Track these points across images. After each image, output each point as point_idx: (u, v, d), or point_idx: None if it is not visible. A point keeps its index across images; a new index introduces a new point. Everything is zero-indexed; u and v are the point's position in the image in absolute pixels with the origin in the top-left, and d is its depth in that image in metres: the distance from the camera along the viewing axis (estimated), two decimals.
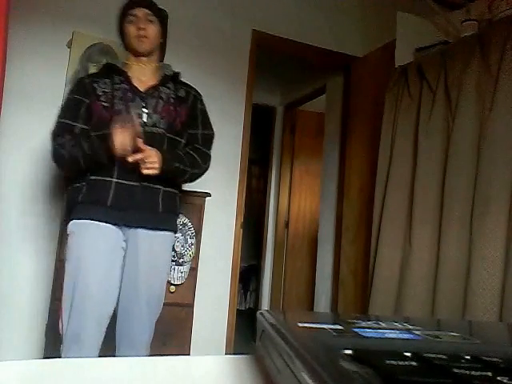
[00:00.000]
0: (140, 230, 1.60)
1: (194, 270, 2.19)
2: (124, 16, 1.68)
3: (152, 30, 1.68)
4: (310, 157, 4.26)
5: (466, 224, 1.82)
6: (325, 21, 3.05)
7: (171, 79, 1.76)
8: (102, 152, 1.52)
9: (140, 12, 1.65)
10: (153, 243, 1.62)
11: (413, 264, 2.03)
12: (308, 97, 4.07)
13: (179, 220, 2.15)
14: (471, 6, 2.24)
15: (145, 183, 1.58)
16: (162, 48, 2.56)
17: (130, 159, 1.50)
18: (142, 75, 1.71)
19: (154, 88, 1.69)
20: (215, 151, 2.74)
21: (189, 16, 2.67)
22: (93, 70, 2.26)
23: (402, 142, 2.23)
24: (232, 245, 2.76)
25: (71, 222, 1.57)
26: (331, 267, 3.21)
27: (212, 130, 1.89)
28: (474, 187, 1.81)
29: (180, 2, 2.63)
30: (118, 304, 1.58)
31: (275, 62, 3.56)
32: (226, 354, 2.62)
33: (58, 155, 1.60)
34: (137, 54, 1.70)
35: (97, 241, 1.53)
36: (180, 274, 2.13)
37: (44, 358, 2.06)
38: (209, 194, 2.28)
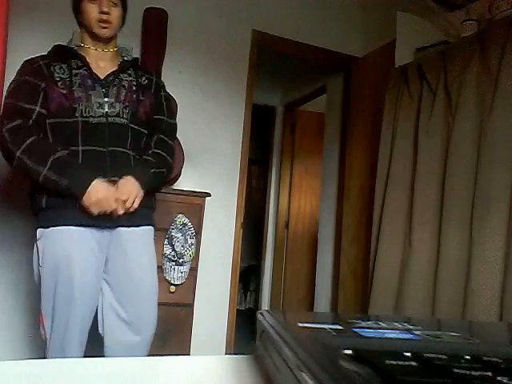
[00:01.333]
0: (118, 230, 1.52)
1: (193, 270, 2.19)
2: None
3: (115, 15, 1.54)
4: (310, 157, 4.26)
5: (466, 224, 1.82)
6: (325, 21, 3.05)
7: (131, 66, 1.65)
8: (67, 192, 1.40)
9: None
10: (131, 240, 1.55)
11: (413, 264, 2.03)
12: (308, 97, 4.07)
13: (179, 220, 2.15)
14: (471, 6, 2.24)
15: (115, 178, 1.47)
16: (162, 47, 2.57)
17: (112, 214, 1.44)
18: (101, 60, 1.58)
19: (115, 75, 1.57)
20: (215, 151, 2.76)
21: (189, 16, 2.67)
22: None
23: (402, 141, 2.23)
24: (232, 245, 2.76)
25: (39, 230, 1.46)
26: (331, 267, 3.21)
27: (175, 120, 1.76)
28: (474, 187, 1.81)
29: (180, 2, 2.63)
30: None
31: (275, 62, 3.56)
32: (226, 353, 2.62)
33: (10, 154, 1.41)
34: (96, 39, 1.57)
35: (70, 247, 1.44)
36: (180, 274, 2.13)
37: (44, 358, 2.06)
38: (209, 194, 2.28)
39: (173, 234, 2.13)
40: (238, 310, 2.92)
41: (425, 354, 0.27)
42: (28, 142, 1.41)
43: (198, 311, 2.23)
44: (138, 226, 1.57)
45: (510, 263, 1.64)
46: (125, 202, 1.43)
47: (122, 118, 1.53)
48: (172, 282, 2.12)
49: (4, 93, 1.58)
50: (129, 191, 1.44)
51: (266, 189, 4.49)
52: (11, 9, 1.69)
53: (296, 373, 0.27)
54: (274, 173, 4.42)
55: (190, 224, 2.17)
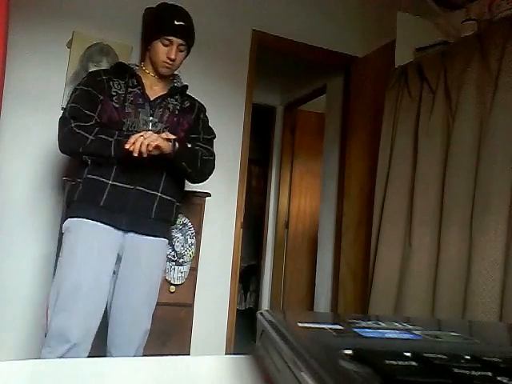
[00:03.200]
0: (130, 234, 1.61)
1: (193, 270, 2.19)
2: (159, 32, 1.66)
3: (179, 59, 1.73)
4: (310, 157, 4.26)
5: (466, 224, 1.82)
6: (325, 21, 3.05)
7: (179, 91, 1.80)
8: (112, 150, 1.54)
9: (177, 41, 1.66)
10: (142, 249, 1.62)
11: (413, 264, 2.03)
12: (308, 97, 4.07)
13: (179, 220, 2.15)
14: (471, 6, 2.24)
15: (140, 188, 1.59)
16: None
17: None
18: (155, 85, 1.75)
19: (163, 98, 1.73)
20: (215, 151, 2.75)
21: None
22: (93, 69, 2.23)
23: (402, 142, 2.23)
24: (232, 245, 2.76)
25: (67, 219, 1.59)
26: (331, 267, 3.21)
27: (213, 134, 1.94)
28: (474, 187, 1.81)
29: (180, 2, 2.63)
30: (109, 306, 1.60)
31: (275, 62, 3.56)
32: (226, 353, 2.62)
33: (82, 139, 1.55)
34: (157, 74, 1.74)
35: (89, 238, 1.54)
36: (180, 274, 2.13)
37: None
38: (209, 194, 2.28)
39: (173, 233, 2.13)
40: (238, 309, 2.92)
41: (425, 354, 0.27)
42: (96, 130, 1.57)
43: (197, 311, 2.23)
44: (153, 236, 1.65)
45: (510, 263, 1.64)
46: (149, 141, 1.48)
47: None
48: (172, 281, 2.12)
49: (4, 93, 1.60)
50: (160, 137, 1.52)
51: (266, 189, 4.49)
52: (11, 9, 1.69)
53: (296, 373, 0.27)
54: (274, 173, 4.42)
55: (189, 224, 2.17)
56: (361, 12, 3.14)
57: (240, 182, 2.81)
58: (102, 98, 1.63)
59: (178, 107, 1.77)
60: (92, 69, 2.31)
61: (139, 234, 1.61)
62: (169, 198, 1.68)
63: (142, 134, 1.49)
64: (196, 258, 2.20)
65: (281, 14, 2.93)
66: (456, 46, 2.08)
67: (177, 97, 1.79)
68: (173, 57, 1.66)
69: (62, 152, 1.62)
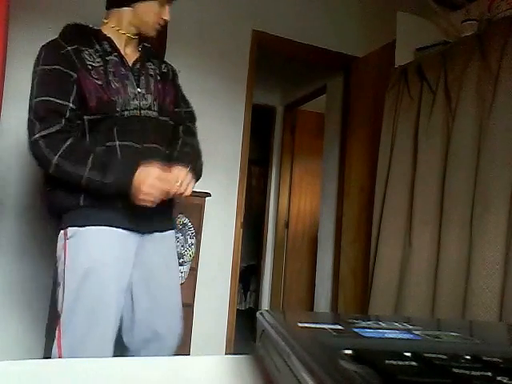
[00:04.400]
0: (154, 235, 1.43)
1: (194, 270, 2.19)
2: None
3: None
4: (310, 157, 4.26)
5: (466, 224, 1.82)
6: (325, 21, 3.05)
7: (152, 53, 1.56)
8: (113, 190, 1.27)
9: (171, 5, 1.47)
10: (165, 246, 1.49)
11: (413, 264, 2.03)
12: (308, 97, 4.07)
13: (179, 220, 2.15)
14: (471, 6, 2.24)
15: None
16: (162, 46, 2.56)
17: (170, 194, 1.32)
18: (126, 46, 1.46)
19: (141, 62, 1.47)
20: (215, 151, 2.75)
21: (189, 16, 2.67)
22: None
23: (401, 142, 2.23)
24: (232, 245, 2.76)
25: (72, 228, 1.31)
26: (331, 267, 3.21)
27: (191, 106, 1.66)
28: (474, 187, 1.81)
29: (180, 2, 2.63)
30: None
31: (275, 62, 3.56)
32: (226, 354, 2.62)
33: (45, 161, 1.26)
34: (137, 35, 1.47)
35: (108, 249, 1.32)
36: (180, 274, 2.13)
37: (44, 358, 2.06)
38: (209, 194, 2.28)
39: None
40: (238, 309, 2.92)
41: (425, 354, 0.27)
42: (65, 145, 1.26)
43: (198, 311, 2.23)
44: (169, 229, 1.50)
45: (510, 263, 1.64)
46: (179, 185, 1.32)
47: (154, 111, 1.43)
48: None
49: (3, 93, 1.56)
50: (183, 174, 1.33)
51: (266, 189, 4.49)
52: (11, 9, 1.69)
53: (296, 373, 0.27)
54: (274, 173, 4.42)
55: (189, 224, 2.17)
56: (361, 12, 3.14)
57: (240, 182, 2.81)
58: (75, 75, 1.30)
59: (158, 72, 1.52)
60: None
61: (160, 231, 1.45)
62: None
63: (174, 181, 1.29)
64: (196, 258, 2.20)
65: (281, 14, 2.93)
66: (456, 45, 2.08)
67: (152, 59, 1.54)
68: (168, 18, 1.46)
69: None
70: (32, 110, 1.28)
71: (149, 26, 1.45)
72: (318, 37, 3.00)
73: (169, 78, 1.56)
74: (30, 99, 1.30)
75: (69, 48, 1.33)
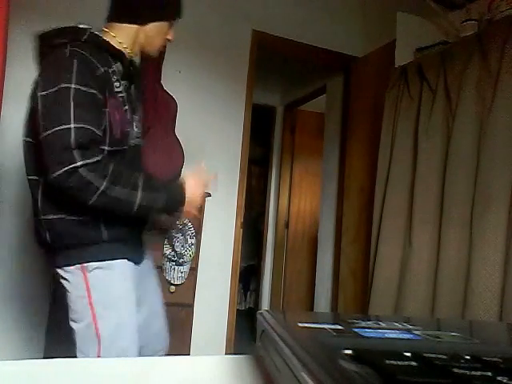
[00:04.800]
0: (145, 261, 1.45)
1: (194, 270, 2.19)
2: (171, 13, 1.43)
3: None
4: (310, 157, 4.26)
5: (466, 224, 1.82)
6: (325, 21, 3.05)
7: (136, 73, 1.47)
8: (167, 207, 1.26)
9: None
10: (151, 272, 1.52)
11: (413, 264, 2.03)
12: (308, 97, 4.07)
13: (179, 220, 2.15)
14: (471, 6, 2.24)
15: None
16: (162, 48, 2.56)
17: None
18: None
19: (134, 85, 1.39)
20: (215, 151, 2.76)
21: (189, 16, 2.66)
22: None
23: (402, 142, 2.23)
24: (232, 245, 2.76)
25: (94, 263, 1.23)
26: (331, 267, 3.21)
27: None
28: (474, 187, 1.81)
29: None
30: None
31: (275, 61, 3.56)
32: (226, 353, 2.62)
33: (90, 189, 1.11)
34: (146, 54, 1.41)
35: (129, 283, 1.30)
36: (180, 274, 2.13)
37: (44, 358, 2.06)
38: (209, 194, 2.28)
39: (173, 233, 2.13)
40: (238, 309, 2.92)
41: (425, 354, 0.27)
42: (111, 170, 1.15)
43: (198, 311, 2.23)
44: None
45: (510, 263, 1.64)
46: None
47: (140, 138, 1.37)
48: (172, 281, 2.12)
49: (3, 93, 1.52)
50: (206, 176, 1.38)
51: (266, 189, 4.49)
52: (11, 9, 1.69)
53: (296, 373, 0.27)
54: (274, 173, 4.42)
55: (189, 224, 2.17)
56: (361, 12, 3.14)
57: (240, 182, 2.81)
58: (102, 98, 1.18)
59: (138, 93, 1.44)
60: None
61: (146, 257, 1.46)
62: None
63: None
64: (196, 258, 2.20)
65: (281, 14, 2.93)
66: (456, 45, 2.08)
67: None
68: (173, 38, 1.43)
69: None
70: (65, 135, 1.09)
71: (155, 46, 1.40)
72: (318, 37, 3.00)
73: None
74: (57, 122, 1.10)
75: (102, 70, 1.19)
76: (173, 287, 2.13)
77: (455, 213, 1.87)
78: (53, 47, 1.20)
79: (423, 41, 2.36)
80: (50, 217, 1.24)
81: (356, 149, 2.97)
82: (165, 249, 2.12)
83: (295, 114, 4.32)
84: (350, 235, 2.92)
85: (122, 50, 1.31)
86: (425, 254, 1.98)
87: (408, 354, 0.27)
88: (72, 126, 1.10)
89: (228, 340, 2.70)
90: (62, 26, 1.24)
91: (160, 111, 2.32)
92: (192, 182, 1.30)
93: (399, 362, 0.25)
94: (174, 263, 2.11)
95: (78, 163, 1.09)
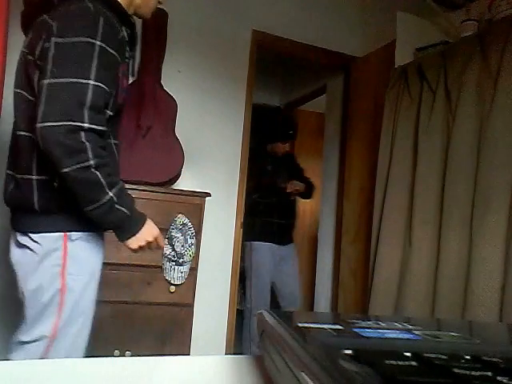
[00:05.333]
0: None
1: (194, 270, 2.19)
2: None
3: None
4: (310, 157, 4.26)
5: (466, 224, 1.82)
6: (325, 21, 3.05)
7: None
8: (121, 222, 1.16)
9: None
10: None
11: (413, 264, 2.03)
12: (308, 97, 4.07)
13: (179, 220, 2.15)
14: (471, 6, 2.24)
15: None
16: (162, 47, 2.56)
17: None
18: None
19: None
20: (215, 151, 2.76)
21: (189, 16, 2.67)
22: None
23: (402, 142, 2.23)
24: (232, 245, 2.76)
25: (77, 233, 1.18)
26: (331, 267, 3.21)
27: None
28: (474, 187, 1.81)
29: (180, 2, 2.63)
30: None
31: (275, 62, 3.56)
32: (226, 353, 2.62)
33: (83, 154, 1.02)
34: (139, 16, 1.33)
35: (102, 257, 1.27)
36: (180, 274, 2.13)
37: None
38: (209, 194, 2.28)
39: (173, 234, 2.13)
40: (237, 309, 2.92)
41: (425, 354, 0.27)
42: (104, 154, 1.09)
43: (197, 311, 2.23)
44: None
45: (510, 263, 1.64)
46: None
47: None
48: (172, 282, 2.12)
49: (3, 93, 1.51)
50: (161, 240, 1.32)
51: None
52: (11, 9, 1.69)
53: (296, 373, 0.27)
54: None
55: (189, 224, 2.17)
56: (361, 12, 3.14)
57: (240, 182, 2.81)
58: (119, 66, 1.14)
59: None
60: None
61: None
62: None
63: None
64: (196, 257, 2.20)
65: (281, 14, 2.93)
66: (456, 45, 2.08)
67: None
68: (164, 1, 1.37)
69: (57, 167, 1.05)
70: (81, 90, 1.01)
71: (149, 8, 1.33)
72: (318, 37, 3.00)
73: None
74: (74, 74, 1.01)
75: (122, 34, 1.12)
76: (173, 287, 2.12)
77: (455, 213, 1.87)
78: (78, 7, 1.09)
79: (423, 41, 2.36)
80: (44, 177, 1.14)
81: (356, 149, 2.97)
82: (165, 249, 2.12)
83: (295, 114, 4.32)
84: (350, 235, 2.92)
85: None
86: (425, 253, 1.98)
87: (408, 354, 0.27)
88: (91, 82, 1.02)
89: (228, 340, 2.70)
90: None
91: (160, 111, 2.32)
92: (150, 226, 1.23)
93: (399, 362, 0.25)
94: (173, 263, 2.11)
95: (85, 125, 1.01)
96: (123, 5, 1.23)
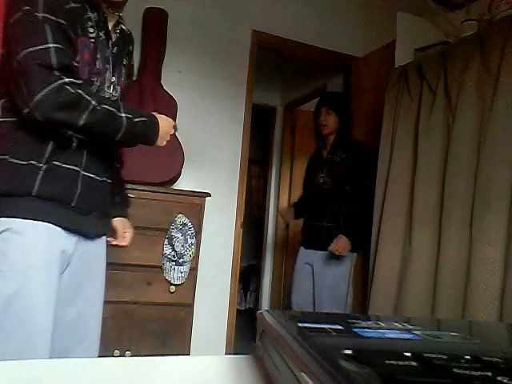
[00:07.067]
0: (96, 240, 1.29)
1: (193, 270, 2.19)
2: None
3: None
4: None
5: (466, 224, 1.82)
6: (325, 21, 3.05)
7: (130, 39, 1.39)
8: (145, 134, 1.21)
9: None
10: (103, 250, 1.35)
11: (413, 264, 2.03)
12: (308, 97, 4.07)
13: (179, 220, 2.15)
14: (471, 6, 2.24)
15: (105, 178, 1.26)
16: (162, 47, 2.56)
17: None
18: (109, 21, 1.26)
19: (118, 48, 1.29)
20: (215, 151, 2.76)
21: (189, 16, 2.67)
22: None
23: (402, 141, 2.23)
24: (232, 245, 2.76)
25: (15, 219, 1.07)
26: None
27: None
28: (474, 187, 1.81)
29: (180, 2, 2.63)
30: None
31: (275, 61, 3.56)
32: (226, 354, 2.62)
33: (82, 103, 1.06)
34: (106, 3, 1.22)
35: (52, 251, 1.12)
36: (180, 274, 2.13)
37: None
38: (209, 194, 2.28)
39: (173, 234, 2.13)
40: (238, 309, 2.92)
41: (425, 354, 0.27)
42: (94, 91, 1.15)
43: (198, 311, 2.23)
44: (104, 234, 1.36)
45: (510, 263, 1.64)
46: None
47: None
48: (172, 281, 2.12)
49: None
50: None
51: (266, 189, 4.49)
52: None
53: (296, 373, 0.27)
54: (273, 173, 4.42)
55: (189, 224, 2.17)
56: (361, 12, 3.14)
57: (240, 182, 2.81)
58: (73, 37, 1.11)
59: (127, 64, 1.36)
60: None
61: (99, 236, 1.31)
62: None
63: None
64: (196, 257, 2.20)
65: (281, 14, 2.93)
66: (456, 46, 2.08)
67: (126, 46, 1.35)
68: None
69: (41, 120, 1.04)
70: (45, 55, 1.03)
71: None
72: (318, 37, 3.00)
73: (130, 74, 1.44)
74: (33, 43, 1.03)
75: (72, 5, 1.11)
76: (173, 287, 2.13)
77: (455, 213, 1.87)
78: None
79: (423, 41, 2.36)
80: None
81: None
82: (165, 249, 2.12)
83: (295, 114, 4.32)
84: None
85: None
86: (425, 254, 1.98)
87: (408, 354, 0.27)
88: (51, 45, 1.04)
89: (228, 340, 2.70)
90: None
91: (160, 111, 2.31)
92: (163, 118, 1.28)
93: (399, 362, 0.25)
94: (173, 263, 2.11)
95: (66, 79, 1.04)
96: None
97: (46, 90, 1.01)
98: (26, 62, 1.02)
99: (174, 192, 2.23)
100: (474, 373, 0.24)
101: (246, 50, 2.84)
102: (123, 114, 1.13)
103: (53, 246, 1.13)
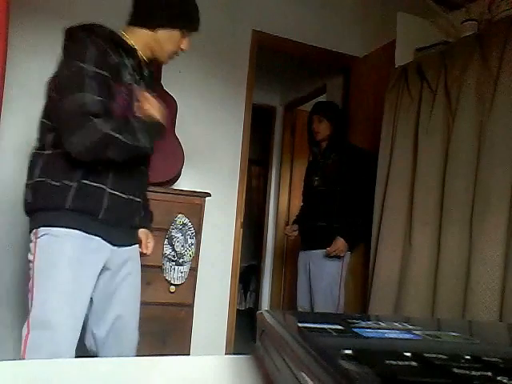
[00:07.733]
0: (128, 247, 1.45)
1: (193, 270, 2.19)
2: (187, 23, 1.43)
3: None
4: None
5: (466, 224, 1.82)
6: (325, 21, 3.05)
7: (152, 83, 1.58)
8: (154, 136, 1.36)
9: (191, 35, 1.50)
10: (133, 260, 1.49)
11: (413, 264, 2.03)
12: (308, 97, 4.07)
13: (179, 220, 2.15)
14: (471, 6, 2.24)
15: (132, 197, 1.40)
16: None
17: None
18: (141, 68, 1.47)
19: (149, 84, 1.52)
20: (215, 151, 2.76)
21: None
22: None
23: (402, 141, 2.23)
24: (232, 245, 2.76)
25: (52, 228, 1.27)
26: None
27: None
28: (474, 187, 1.81)
29: None
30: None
31: (275, 62, 3.56)
32: (226, 353, 2.62)
33: (111, 140, 1.21)
34: (149, 59, 1.46)
35: (84, 251, 1.30)
36: (180, 274, 2.13)
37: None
38: (209, 194, 2.28)
39: (173, 233, 2.13)
40: (238, 309, 2.92)
41: (425, 354, 0.27)
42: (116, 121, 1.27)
43: (197, 311, 2.23)
44: (135, 243, 1.54)
45: (510, 263, 1.64)
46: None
47: None
48: (172, 282, 2.12)
49: (5, 92, 1.53)
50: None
51: (266, 189, 4.49)
52: (11, 9, 1.69)
53: (296, 373, 0.27)
54: (273, 173, 4.42)
55: (189, 224, 2.17)
56: (361, 12, 3.14)
57: (240, 182, 2.81)
58: (112, 83, 1.28)
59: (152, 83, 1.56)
60: None
61: (127, 246, 1.45)
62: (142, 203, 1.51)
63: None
64: (196, 258, 2.20)
65: (281, 14, 2.93)
66: (456, 45, 2.08)
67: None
68: (187, 48, 1.47)
69: (84, 160, 1.25)
70: (86, 105, 1.20)
71: (165, 53, 1.45)
72: (318, 37, 3.00)
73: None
74: (72, 91, 1.20)
75: (115, 59, 1.30)
76: (173, 287, 2.13)
77: (455, 212, 1.87)
78: (75, 40, 1.28)
79: (423, 41, 2.36)
80: (34, 180, 1.31)
81: None
82: (165, 249, 2.12)
83: (295, 114, 4.32)
84: None
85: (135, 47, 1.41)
86: (425, 254, 1.98)
87: (408, 354, 0.27)
88: (86, 93, 1.20)
89: (228, 340, 2.70)
90: (87, 23, 1.31)
91: None
92: (152, 108, 1.39)
93: (399, 362, 0.25)
94: (173, 263, 2.11)
95: (95, 120, 1.19)
96: (137, 46, 1.40)
97: (80, 133, 1.19)
98: (65, 107, 1.21)
99: (174, 192, 2.23)
100: (474, 373, 0.24)
101: (246, 50, 2.84)
102: (140, 136, 1.28)
103: (85, 245, 1.29)
